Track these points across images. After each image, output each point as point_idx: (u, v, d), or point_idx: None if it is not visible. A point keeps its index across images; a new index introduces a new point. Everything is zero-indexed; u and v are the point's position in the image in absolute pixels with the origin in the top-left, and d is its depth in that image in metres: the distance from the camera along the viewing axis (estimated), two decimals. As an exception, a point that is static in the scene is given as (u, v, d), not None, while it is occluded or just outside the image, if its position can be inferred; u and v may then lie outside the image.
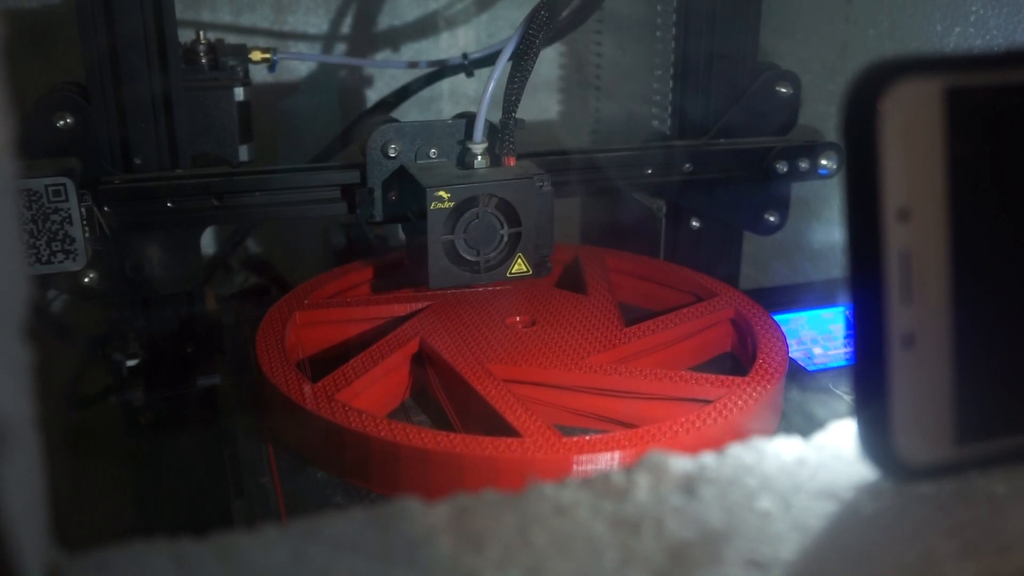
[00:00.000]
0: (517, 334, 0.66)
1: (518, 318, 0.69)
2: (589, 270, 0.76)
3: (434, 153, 0.72)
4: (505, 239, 0.69)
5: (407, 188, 0.71)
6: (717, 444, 0.54)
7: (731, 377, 0.60)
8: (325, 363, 0.64)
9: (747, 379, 0.60)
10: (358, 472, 0.56)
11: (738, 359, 0.69)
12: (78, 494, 0.68)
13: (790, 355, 0.63)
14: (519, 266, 0.69)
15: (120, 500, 0.71)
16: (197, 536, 0.30)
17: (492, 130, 0.71)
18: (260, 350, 0.63)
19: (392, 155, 0.71)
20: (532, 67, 0.69)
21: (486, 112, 0.70)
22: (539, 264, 0.70)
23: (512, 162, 0.71)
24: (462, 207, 0.67)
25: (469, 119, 0.72)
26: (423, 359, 0.65)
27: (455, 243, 0.67)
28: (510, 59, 0.69)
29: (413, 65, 0.90)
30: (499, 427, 0.55)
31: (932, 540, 0.31)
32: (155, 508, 0.68)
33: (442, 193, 0.66)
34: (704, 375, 0.61)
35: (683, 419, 0.55)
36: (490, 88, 0.70)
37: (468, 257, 0.68)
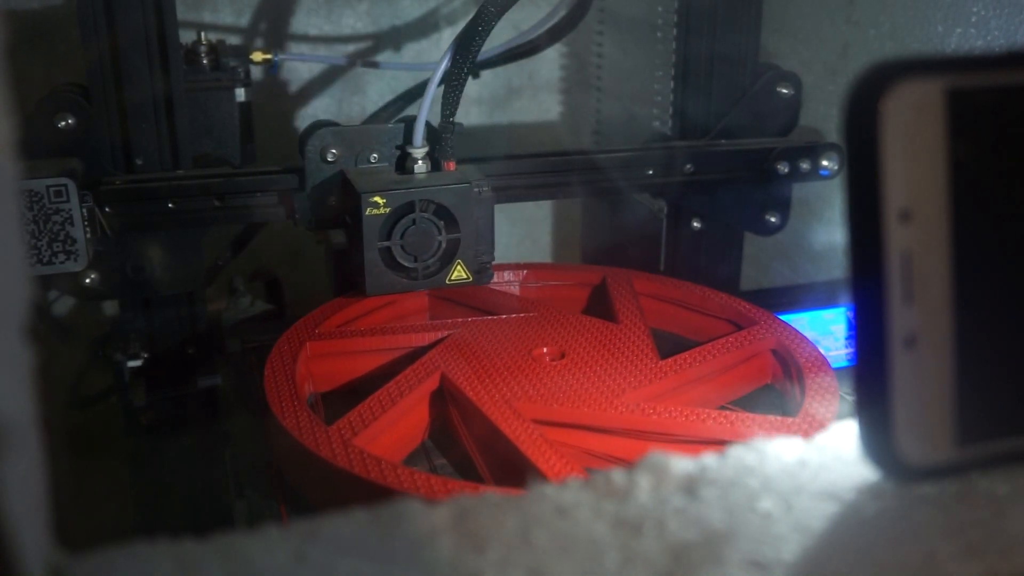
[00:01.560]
0: (545, 368, 0.62)
1: (545, 350, 0.65)
2: (618, 296, 0.72)
3: (375, 158, 0.71)
4: (443, 245, 0.67)
5: (345, 193, 0.70)
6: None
7: (781, 418, 0.56)
8: (339, 396, 0.62)
9: (798, 420, 0.56)
10: None
11: (780, 391, 0.65)
12: (80, 494, 0.68)
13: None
14: (458, 273, 0.68)
15: (122, 500, 0.71)
16: (198, 536, 0.30)
17: (435, 134, 0.70)
18: (269, 386, 0.59)
19: (330, 160, 0.70)
20: (468, 72, 0.68)
21: (426, 115, 0.69)
22: (479, 271, 0.69)
23: (452, 167, 0.70)
24: (398, 213, 0.66)
25: (409, 123, 0.70)
26: (444, 395, 0.61)
27: (391, 250, 0.66)
28: (449, 61, 0.68)
29: (416, 67, 0.90)
30: (531, 475, 0.51)
31: (934, 541, 0.30)
32: (156, 508, 0.68)
33: (377, 199, 0.65)
34: (752, 416, 0.57)
35: None
36: (431, 92, 0.68)
37: (405, 264, 0.67)
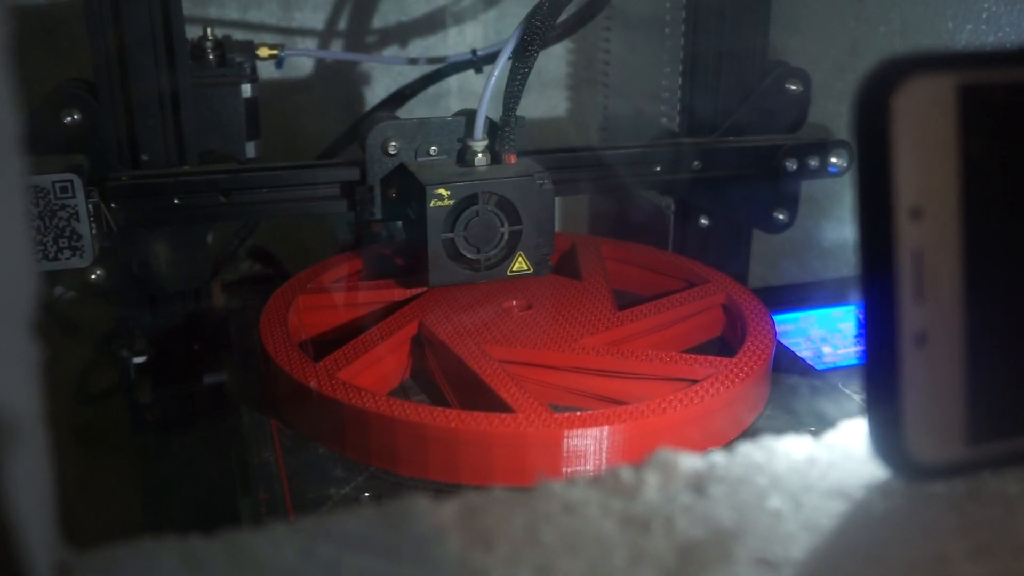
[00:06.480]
0: (513, 317, 0.68)
1: (515, 302, 0.70)
2: (584, 257, 0.77)
3: (434, 150, 0.72)
4: (505, 237, 0.69)
5: (407, 186, 0.70)
6: (703, 421, 0.57)
7: (718, 358, 0.62)
8: (327, 344, 0.65)
9: (734, 360, 0.61)
10: (358, 447, 0.57)
11: (729, 343, 0.70)
12: (86, 491, 0.68)
13: (799, 353, 0.63)
14: (520, 264, 0.69)
15: (128, 497, 0.71)
16: (205, 533, 0.30)
17: (492, 127, 0.71)
18: (264, 331, 0.65)
19: (392, 152, 0.71)
20: (533, 64, 0.69)
21: (486, 109, 0.70)
22: (540, 262, 0.70)
23: (512, 160, 0.71)
24: (462, 205, 0.67)
25: (469, 116, 0.71)
26: (422, 341, 0.66)
27: (455, 241, 0.67)
28: (511, 56, 0.69)
29: (417, 62, 0.90)
30: (494, 404, 0.57)
31: (944, 540, 0.30)
32: (163, 505, 0.68)
33: (442, 191, 0.66)
34: (692, 356, 0.63)
35: (670, 397, 0.57)
36: (491, 85, 0.69)
37: (468, 255, 0.68)
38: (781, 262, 0.95)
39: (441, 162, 0.72)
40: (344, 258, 0.76)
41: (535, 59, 0.69)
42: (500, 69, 0.69)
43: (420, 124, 0.72)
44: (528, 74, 0.69)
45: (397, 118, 0.73)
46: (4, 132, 0.27)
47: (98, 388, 0.82)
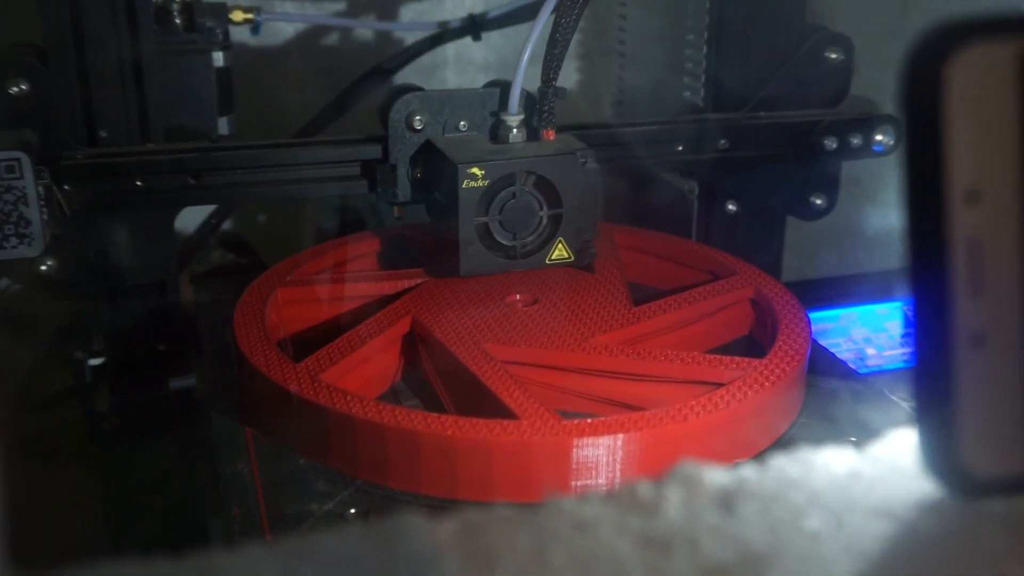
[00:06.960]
0: (517, 313, 0.68)
1: (518, 296, 0.70)
2: (597, 246, 0.77)
3: (464, 125, 0.72)
4: (544, 221, 0.69)
5: (434, 165, 0.71)
6: (730, 430, 0.57)
7: (745, 359, 0.62)
8: (309, 343, 0.65)
9: (764, 361, 0.61)
10: (343, 458, 0.57)
11: (758, 342, 0.70)
12: (37, 507, 0.68)
13: (839, 354, 0.63)
14: (559, 251, 0.70)
15: (84, 514, 0.71)
16: (172, 554, 0.30)
17: (528, 100, 0.71)
18: (238, 329, 0.65)
19: (418, 127, 0.71)
20: (576, 27, 0.68)
21: (522, 79, 0.70)
22: (581, 249, 0.70)
23: (551, 136, 0.71)
24: (497, 186, 0.67)
25: (503, 87, 0.72)
26: (415, 340, 0.66)
27: (489, 226, 0.68)
28: (552, 13, 0.69)
29: (417, 27, 0.90)
30: (495, 410, 0.57)
31: (1003, 564, 0.30)
32: (124, 523, 0.68)
33: (475, 170, 0.66)
34: (716, 356, 0.62)
35: (692, 402, 0.57)
36: (527, 52, 0.69)
37: (503, 241, 0.69)
38: (819, 253, 0.96)
39: (472, 138, 0.72)
40: (328, 247, 0.77)
41: (579, 20, 0.68)
42: (538, 33, 0.69)
43: (449, 96, 0.72)
44: (571, 37, 0.69)
45: (421, 89, 0.73)
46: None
47: (50, 393, 0.82)
